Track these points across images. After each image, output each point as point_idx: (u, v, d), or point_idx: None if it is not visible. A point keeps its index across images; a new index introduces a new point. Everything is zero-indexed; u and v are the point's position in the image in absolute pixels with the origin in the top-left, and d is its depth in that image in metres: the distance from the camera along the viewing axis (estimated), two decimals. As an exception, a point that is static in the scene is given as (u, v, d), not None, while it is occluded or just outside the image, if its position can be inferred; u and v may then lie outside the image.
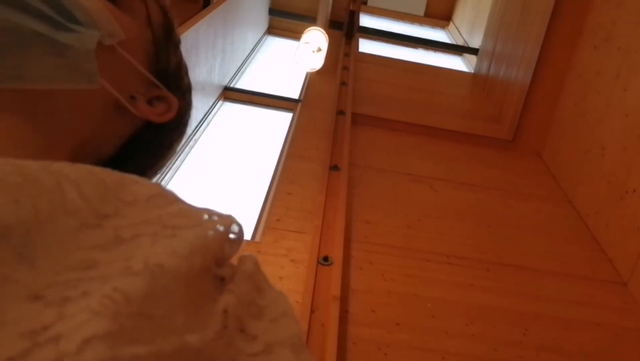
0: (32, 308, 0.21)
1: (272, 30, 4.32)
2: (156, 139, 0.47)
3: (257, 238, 1.63)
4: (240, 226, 0.29)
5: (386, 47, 4.04)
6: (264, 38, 4.16)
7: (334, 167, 1.89)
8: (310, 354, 0.26)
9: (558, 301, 1.48)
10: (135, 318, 0.21)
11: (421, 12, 5.18)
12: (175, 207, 0.28)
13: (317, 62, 2.96)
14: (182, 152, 2.31)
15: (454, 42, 4.61)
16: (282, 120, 2.84)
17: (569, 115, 2.19)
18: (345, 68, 2.95)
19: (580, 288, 1.55)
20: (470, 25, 4.37)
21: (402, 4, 5.15)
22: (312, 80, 3.10)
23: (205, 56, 2.42)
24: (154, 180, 0.47)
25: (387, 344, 1.24)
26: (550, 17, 2.20)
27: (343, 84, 2.70)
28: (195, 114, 2.40)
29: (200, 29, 2.25)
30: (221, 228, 0.28)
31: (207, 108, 2.64)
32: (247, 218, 1.89)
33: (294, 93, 3.14)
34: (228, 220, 0.29)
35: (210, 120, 2.69)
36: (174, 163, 2.22)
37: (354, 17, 3.71)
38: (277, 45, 4.14)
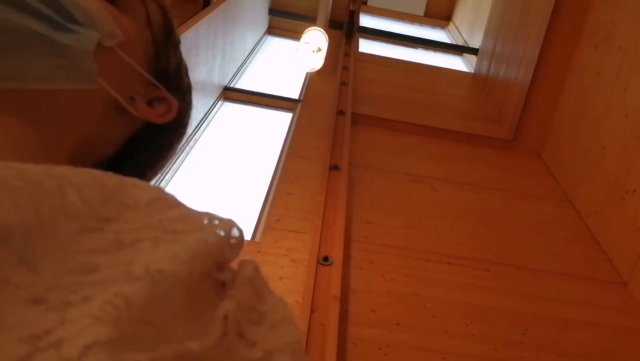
0: (33, 312, 0.20)
1: (272, 30, 4.32)
2: (156, 140, 0.47)
3: (257, 238, 1.62)
4: (240, 230, 0.29)
5: (386, 47, 4.04)
6: (264, 38, 4.16)
7: (334, 167, 1.89)
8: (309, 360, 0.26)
9: (558, 301, 1.48)
10: (136, 324, 0.21)
11: (421, 12, 5.18)
12: (176, 212, 0.28)
13: (317, 62, 2.96)
14: (182, 152, 2.30)
15: (454, 42, 4.60)
16: (282, 120, 2.84)
17: (569, 115, 2.19)
18: (345, 68, 2.95)
19: (580, 288, 1.55)
20: (470, 25, 4.37)
21: (402, 4, 5.15)
22: (312, 80, 3.10)
23: (205, 56, 2.42)
24: (154, 180, 0.47)
25: (387, 344, 1.24)
26: (550, 17, 2.20)
27: (343, 84, 2.69)
28: (195, 114, 2.39)
29: (200, 29, 2.25)
30: (222, 232, 0.28)
31: (207, 108, 2.64)
32: (247, 218, 1.89)
33: (294, 93, 3.14)
34: (228, 225, 0.29)
35: (210, 120, 2.69)
36: (174, 163, 2.22)
37: (353, 17, 3.71)
38: (277, 45, 4.14)
